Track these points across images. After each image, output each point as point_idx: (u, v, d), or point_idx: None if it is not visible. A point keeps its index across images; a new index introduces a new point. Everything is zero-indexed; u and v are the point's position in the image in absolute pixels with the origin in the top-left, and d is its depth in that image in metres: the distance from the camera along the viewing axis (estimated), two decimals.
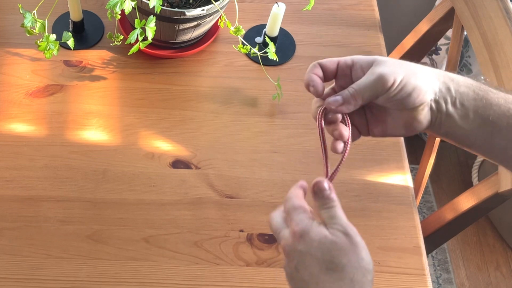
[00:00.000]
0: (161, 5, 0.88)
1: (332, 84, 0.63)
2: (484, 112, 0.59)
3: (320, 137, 0.61)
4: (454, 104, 0.59)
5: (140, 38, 0.87)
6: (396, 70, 0.58)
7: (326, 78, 0.62)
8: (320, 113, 0.61)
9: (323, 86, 0.61)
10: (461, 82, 0.60)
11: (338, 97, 0.59)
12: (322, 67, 0.62)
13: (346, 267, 0.55)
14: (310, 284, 0.55)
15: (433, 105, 0.59)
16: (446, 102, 0.59)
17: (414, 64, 0.60)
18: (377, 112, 0.62)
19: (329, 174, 0.61)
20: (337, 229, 0.56)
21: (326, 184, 0.58)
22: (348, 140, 0.61)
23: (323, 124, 0.61)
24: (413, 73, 0.58)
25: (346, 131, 0.61)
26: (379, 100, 0.59)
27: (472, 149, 0.63)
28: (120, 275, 0.81)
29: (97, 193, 0.88)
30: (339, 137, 0.61)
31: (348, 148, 0.61)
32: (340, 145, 0.61)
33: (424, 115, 0.60)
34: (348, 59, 0.62)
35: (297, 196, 0.59)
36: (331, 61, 0.62)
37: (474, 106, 0.59)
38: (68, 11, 1.02)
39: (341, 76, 0.62)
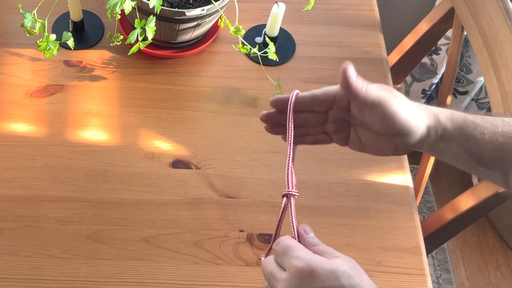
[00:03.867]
0: (161, 5, 0.88)
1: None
2: (468, 149, 0.59)
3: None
4: (436, 145, 0.60)
5: (140, 38, 0.87)
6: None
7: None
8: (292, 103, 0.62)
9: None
10: (448, 123, 0.60)
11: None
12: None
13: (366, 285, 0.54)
14: None
15: (419, 145, 0.60)
16: (430, 143, 0.60)
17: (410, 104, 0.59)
18: (362, 135, 0.62)
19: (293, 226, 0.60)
20: (342, 257, 0.55)
21: (303, 228, 0.58)
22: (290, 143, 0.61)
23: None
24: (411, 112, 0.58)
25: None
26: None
27: (460, 168, 0.64)
28: (120, 275, 0.81)
29: (97, 193, 0.88)
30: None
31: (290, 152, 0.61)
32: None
33: (406, 149, 0.60)
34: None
35: (288, 237, 0.57)
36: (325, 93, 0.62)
37: (459, 145, 0.60)
38: (68, 11, 1.02)
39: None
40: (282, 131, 0.64)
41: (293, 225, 0.58)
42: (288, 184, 0.60)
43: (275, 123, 0.64)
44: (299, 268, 0.51)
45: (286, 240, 0.55)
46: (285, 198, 0.59)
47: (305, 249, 0.54)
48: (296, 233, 0.58)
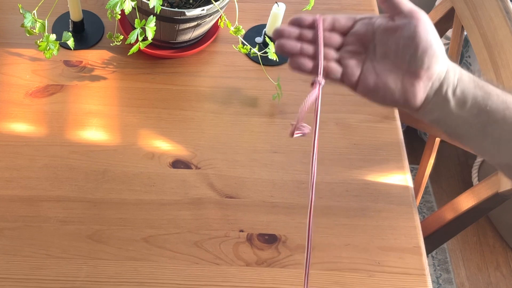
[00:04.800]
0: (161, 5, 0.88)
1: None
2: (482, 101, 0.58)
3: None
4: (454, 90, 0.58)
5: (140, 38, 0.87)
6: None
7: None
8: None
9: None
10: (463, 71, 0.59)
11: None
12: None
13: None
14: None
15: (436, 85, 0.58)
16: (447, 87, 0.58)
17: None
18: (378, 65, 0.60)
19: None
20: None
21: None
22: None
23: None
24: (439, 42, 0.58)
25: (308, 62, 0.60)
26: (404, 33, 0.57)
27: (461, 140, 0.61)
28: (120, 275, 0.81)
29: (97, 193, 0.88)
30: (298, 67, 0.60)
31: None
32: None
33: (423, 89, 0.58)
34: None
35: None
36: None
37: (473, 95, 0.58)
38: (68, 11, 1.02)
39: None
40: (292, 48, 0.61)
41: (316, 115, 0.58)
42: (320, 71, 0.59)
43: (289, 36, 0.61)
44: None
45: None
46: (313, 85, 0.59)
47: None
48: (316, 126, 0.58)
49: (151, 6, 0.85)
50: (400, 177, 0.93)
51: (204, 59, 1.05)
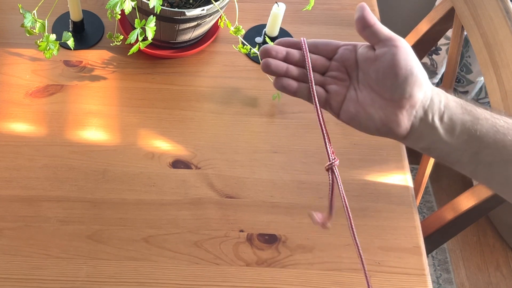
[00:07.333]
0: (161, 5, 0.88)
1: None
2: (471, 126, 0.57)
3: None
4: (441, 117, 0.57)
5: (140, 38, 0.87)
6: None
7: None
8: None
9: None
10: (450, 97, 0.59)
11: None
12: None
13: None
14: None
15: (420, 113, 0.57)
16: (433, 114, 0.57)
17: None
18: (361, 94, 0.59)
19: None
20: None
21: None
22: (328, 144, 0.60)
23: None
24: (420, 67, 0.58)
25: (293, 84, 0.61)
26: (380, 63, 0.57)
27: (455, 166, 0.60)
28: (120, 275, 0.81)
29: (97, 193, 0.88)
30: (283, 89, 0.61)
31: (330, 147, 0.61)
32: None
33: (407, 118, 0.57)
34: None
35: None
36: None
37: (461, 121, 0.57)
38: (68, 11, 1.02)
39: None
40: (278, 69, 0.61)
41: (342, 194, 0.61)
42: (328, 156, 0.60)
43: (275, 56, 0.62)
44: None
45: None
46: (329, 171, 0.61)
47: None
48: (345, 203, 0.61)
49: (151, 6, 0.85)
50: (400, 177, 0.93)
51: (204, 59, 1.05)
